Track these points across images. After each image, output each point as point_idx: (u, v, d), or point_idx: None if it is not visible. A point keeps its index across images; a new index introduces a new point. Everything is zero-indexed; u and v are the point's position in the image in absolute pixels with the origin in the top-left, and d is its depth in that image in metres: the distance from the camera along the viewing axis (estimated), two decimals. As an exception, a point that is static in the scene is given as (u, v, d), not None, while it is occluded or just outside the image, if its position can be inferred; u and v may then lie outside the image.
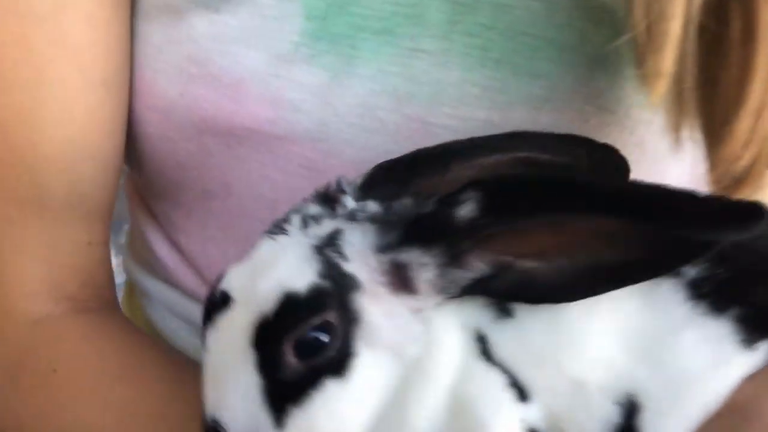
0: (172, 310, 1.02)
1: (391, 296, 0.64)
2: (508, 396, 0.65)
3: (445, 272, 0.64)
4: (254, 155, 0.89)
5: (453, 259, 0.63)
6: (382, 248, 0.64)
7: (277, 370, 0.60)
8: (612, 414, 0.63)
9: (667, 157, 0.88)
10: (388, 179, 0.72)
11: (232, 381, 0.61)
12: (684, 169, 0.93)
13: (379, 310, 0.63)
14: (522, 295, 0.65)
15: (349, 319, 0.62)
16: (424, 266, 0.63)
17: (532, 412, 0.65)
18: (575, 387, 0.64)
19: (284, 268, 0.63)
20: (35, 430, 0.76)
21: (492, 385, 0.65)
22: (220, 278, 0.67)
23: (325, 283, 0.62)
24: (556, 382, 0.65)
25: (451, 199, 0.62)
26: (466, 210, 0.61)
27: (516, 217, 0.61)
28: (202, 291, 0.95)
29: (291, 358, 0.60)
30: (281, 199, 0.89)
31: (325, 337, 0.61)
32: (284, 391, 0.61)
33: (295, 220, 0.68)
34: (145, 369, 0.75)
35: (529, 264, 0.63)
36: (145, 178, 0.98)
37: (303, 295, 0.61)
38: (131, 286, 1.14)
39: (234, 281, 0.65)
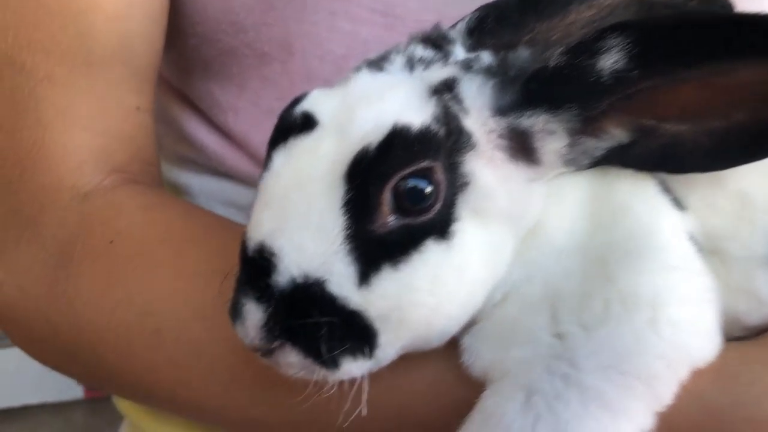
0: (223, 200, 0.93)
1: (509, 163, 0.56)
2: (664, 200, 0.58)
3: (577, 141, 0.56)
4: (322, 2, 0.80)
5: (587, 124, 0.55)
6: (502, 110, 0.56)
7: (370, 219, 0.52)
8: None
9: None
10: (498, 23, 0.62)
11: (304, 212, 0.53)
12: None
13: (492, 175, 0.55)
14: (665, 163, 0.57)
15: (457, 181, 0.54)
16: (551, 134, 0.56)
17: (689, 221, 0.59)
18: (739, 202, 0.59)
19: (395, 102, 0.55)
20: (91, 316, 0.68)
21: (645, 189, 0.58)
22: (298, 99, 0.58)
23: (439, 130, 0.54)
24: (715, 197, 0.59)
25: (589, 47, 0.53)
26: (610, 60, 0.52)
27: (674, 68, 0.51)
28: (257, 174, 0.87)
29: (388, 208, 0.52)
30: (352, 55, 0.80)
31: (427, 187, 0.52)
32: (377, 246, 0.52)
33: (398, 60, 0.59)
34: (213, 230, 0.70)
35: (675, 127, 0.55)
36: (190, 52, 0.88)
37: (414, 132, 0.53)
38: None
39: (322, 105, 0.57)
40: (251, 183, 0.87)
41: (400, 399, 0.60)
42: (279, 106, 0.81)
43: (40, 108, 0.72)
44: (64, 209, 0.71)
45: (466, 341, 0.58)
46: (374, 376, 0.56)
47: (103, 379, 0.74)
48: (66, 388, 1.64)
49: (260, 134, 0.86)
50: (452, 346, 0.59)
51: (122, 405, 0.94)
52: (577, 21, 0.62)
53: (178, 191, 0.96)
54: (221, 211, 0.88)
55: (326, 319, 0.52)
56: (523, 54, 0.57)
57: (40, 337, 0.72)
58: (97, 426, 1.18)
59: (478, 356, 0.58)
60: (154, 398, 0.72)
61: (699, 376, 0.56)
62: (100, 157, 0.74)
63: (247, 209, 0.86)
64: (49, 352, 0.74)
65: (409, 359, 0.58)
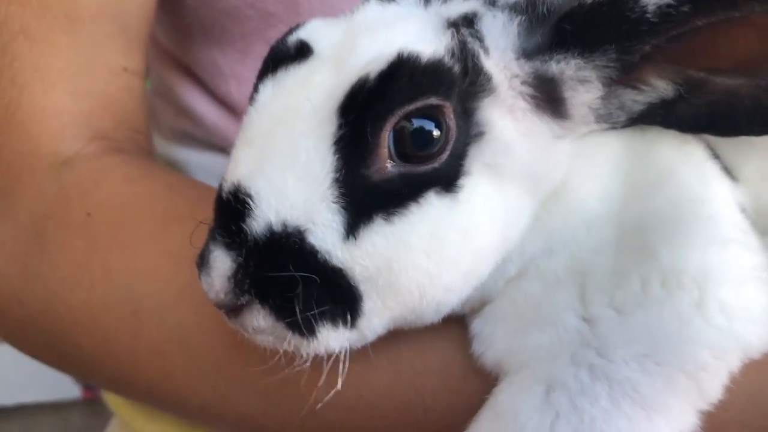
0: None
1: (532, 114, 0.49)
2: (713, 166, 0.52)
3: (613, 93, 0.49)
4: None
5: (626, 72, 0.48)
6: (528, 52, 0.49)
7: (365, 162, 0.46)
8: None
9: None
10: None
11: (288, 150, 0.46)
12: None
13: (512, 127, 0.49)
14: (715, 124, 0.49)
15: (470, 130, 0.47)
16: (583, 83, 0.49)
17: (741, 194, 0.52)
18: None
19: (404, 31, 0.48)
20: (66, 295, 0.62)
21: (692, 152, 0.51)
22: (294, 28, 0.52)
23: (454, 66, 0.47)
24: None
25: None
26: None
27: (737, 3, 0.44)
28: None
29: (387, 151, 0.46)
30: None
31: (434, 129, 0.46)
32: (371, 194, 0.46)
33: None
34: (202, 203, 0.62)
35: (730, 81, 0.48)
36: (188, 14, 0.83)
37: (423, 63, 0.46)
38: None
39: (321, 34, 0.51)
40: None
41: (397, 392, 0.54)
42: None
43: (15, 66, 0.66)
44: (42, 180, 0.66)
45: (477, 326, 0.52)
46: (361, 360, 0.49)
47: (80, 367, 0.67)
48: (63, 387, 1.58)
49: None
50: (463, 328, 0.53)
51: (112, 401, 0.88)
52: None
53: (175, 168, 0.91)
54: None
55: (303, 275, 0.45)
56: None
57: (14, 321, 0.66)
58: (96, 428, 1.11)
59: (491, 344, 0.51)
60: (136, 391, 0.66)
61: (752, 368, 0.49)
62: (82, 121, 0.68)
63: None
64: (24, 337, 0.68)
65: (409, 342, 0.52)
